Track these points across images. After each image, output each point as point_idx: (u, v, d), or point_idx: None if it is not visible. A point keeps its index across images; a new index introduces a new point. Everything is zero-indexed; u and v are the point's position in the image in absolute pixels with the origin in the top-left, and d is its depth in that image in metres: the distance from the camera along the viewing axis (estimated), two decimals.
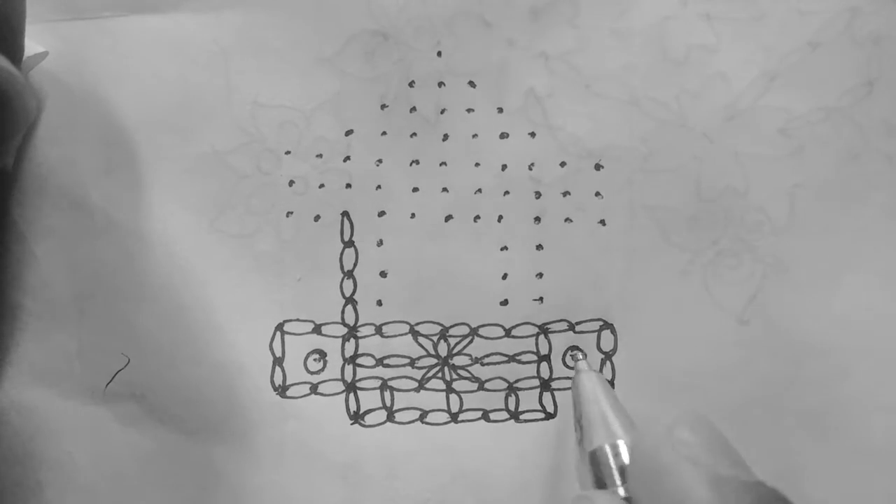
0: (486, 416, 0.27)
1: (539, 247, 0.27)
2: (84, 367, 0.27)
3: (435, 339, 0.27)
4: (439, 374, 0.27)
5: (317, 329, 0.27)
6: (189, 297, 0.27)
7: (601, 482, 0.21)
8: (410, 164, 0.28)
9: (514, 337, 0.27)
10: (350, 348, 0.27)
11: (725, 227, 0.27)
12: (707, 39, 0.27)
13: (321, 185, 0.28)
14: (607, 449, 0.21)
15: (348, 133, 0.28)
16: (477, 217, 0.27)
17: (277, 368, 0.27)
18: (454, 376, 0.27)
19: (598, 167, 0.27)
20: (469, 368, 0.27)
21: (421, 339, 0.27)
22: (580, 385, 0.24)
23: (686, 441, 0.17)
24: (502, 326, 0.27)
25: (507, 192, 0.27)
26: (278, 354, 0.27)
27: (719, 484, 0.16)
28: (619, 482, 0.20)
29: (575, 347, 0.27)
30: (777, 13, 0.27)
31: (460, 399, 0.27)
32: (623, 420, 0.22)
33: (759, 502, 0.16)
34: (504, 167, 0.27)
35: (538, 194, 0.27)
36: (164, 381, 0.27)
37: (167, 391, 0.27)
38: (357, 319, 0.27)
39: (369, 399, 0.27)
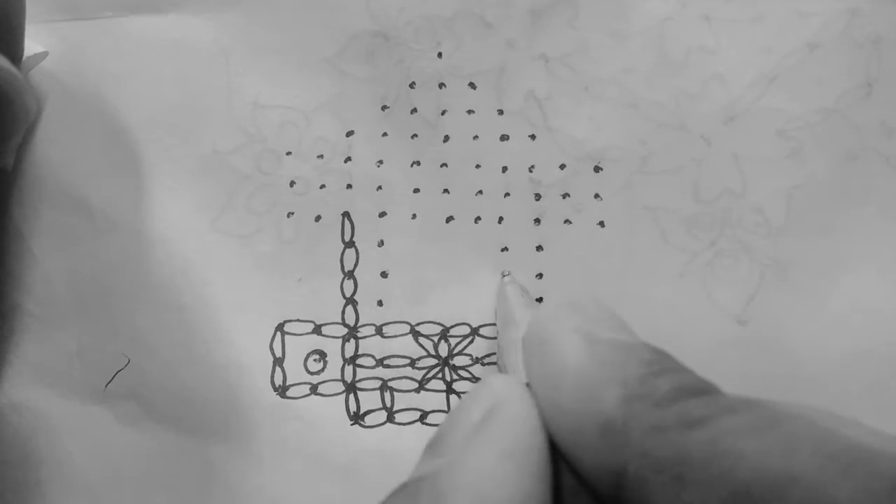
0: None
1: (539, 248, 0.27)
2: (84, 367, 0.27)
3: (435, 339, 0.27)
4: (440, 375, 0.27)
5: (317, 329, 0.27)
6: (189, 298, 0.27)
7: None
8: (411, 165, 0.28)
9: None
10: (350, 349, 0.27)
11: (724, 228, 0.27)
12: (706, 41, 0.27)
13: (322, 186, 0.28)
14: (518, 342, 0.21)
15: (349, 134, 0.28)
16: (477, 218, 0.27)
17: (277, 369, 0.27)
18: (455, 377, 0.27)
19: (597, 169, 0.27)
20: (469, 369, 0.27)
21: (421, 340, 0.27)
22: (503, 291, 0.25)
23: (570, 314, 0.17)
24: None
25: (507, 194, 0.27)
26: (278, 355, 0.27)
27: (594, 345, 0.16)
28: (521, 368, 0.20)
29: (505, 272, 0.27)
30: (776, 14, 0.27)
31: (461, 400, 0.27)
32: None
33: (633, 356, 0.15)
34: (504, 169, 0.27)
35: (538, 196, 0.27)
36: (164, 381, 0.27)
37: (167, 391, 0.27)
38: (357, 320, 0.27)
39: (369, 400, 0.27)
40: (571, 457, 0.15)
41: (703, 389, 0.15)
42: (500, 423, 0.16)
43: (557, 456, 0.16)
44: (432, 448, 0.17)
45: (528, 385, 0.17)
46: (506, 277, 0.27)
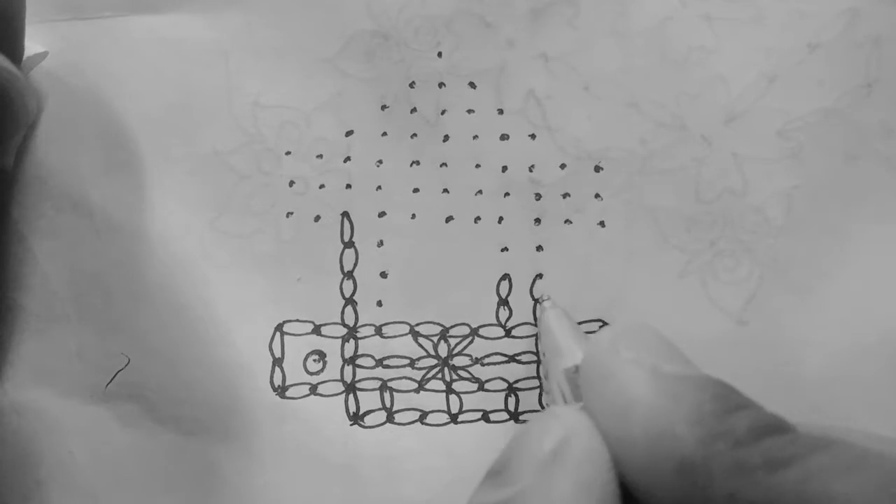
0: (485, 416, 0.27)
1: (539, 248, 0.27)
2: (84, 367, 0.27)
3: (435, 339, 0.27)
4: (439, 375, 0.27)
5: (316, 330, 0.27)
6: (189, 298, 0.27)
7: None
8: (411, 165, 0.28)
9: (514, 337, 0.27)
10: (350, 349, 0.27)
11: (724, 228, 0.27)
12: (707, 40, 0.27)
13: (321, 186, 0.28)
14: (571, 372, 0.21)
15: (348, 133, 0.28)
16: (477, 218, 0.27)
17: (277, 369, 0.27)
18: (454, 377, 0.27)
19: (597, 169, 0.27)
20: (469, 369, 0.27)
21: (421, 340, 0.27)
22: (545, 318, 0.25)
23: (629, 346, 0.17)
24: (502, 327, 0.27)
25: (507, 194, 0.27)
26: (278, 355, 0.27)
27: (660, 379, 0.16)
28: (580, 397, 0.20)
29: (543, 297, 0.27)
30: (777, 14, 0.27)
31: (460, 400, 0.27)
32: (582, 344, 0.22)
33: (701, 392, 0.15)
34: (504, 168, 0.27)
35: (538, 196, 0.27)
36: (164, 381, 0.27)
37: (167, 391, 0.27)
38: (357, 320, 0.27)
39: (369, 400, 0.27)
40: (643, 493, 0.15)
41: (782, 427, 0.15)
42: (575, 455, 0.15)
43: (626, 492, 0.15)
44: (497, 476, 0.16)
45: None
46: (545, 302, 0.26)
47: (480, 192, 0.27)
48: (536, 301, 0.27)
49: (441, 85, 0.28)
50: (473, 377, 0.27)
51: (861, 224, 0.27)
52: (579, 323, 0.27)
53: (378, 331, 0.27)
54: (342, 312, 0.27)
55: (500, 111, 0.28)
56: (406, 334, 0.27)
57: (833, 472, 0.13)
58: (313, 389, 0.27)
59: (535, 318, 0.27)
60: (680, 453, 0.14)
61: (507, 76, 0.27)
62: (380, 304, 0.27)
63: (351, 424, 0.27)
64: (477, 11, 0.27)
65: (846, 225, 0.27)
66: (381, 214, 0.28)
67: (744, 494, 0.13)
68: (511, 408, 0.27)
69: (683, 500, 0.14)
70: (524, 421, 0.27)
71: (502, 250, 0.27)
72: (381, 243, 0.27)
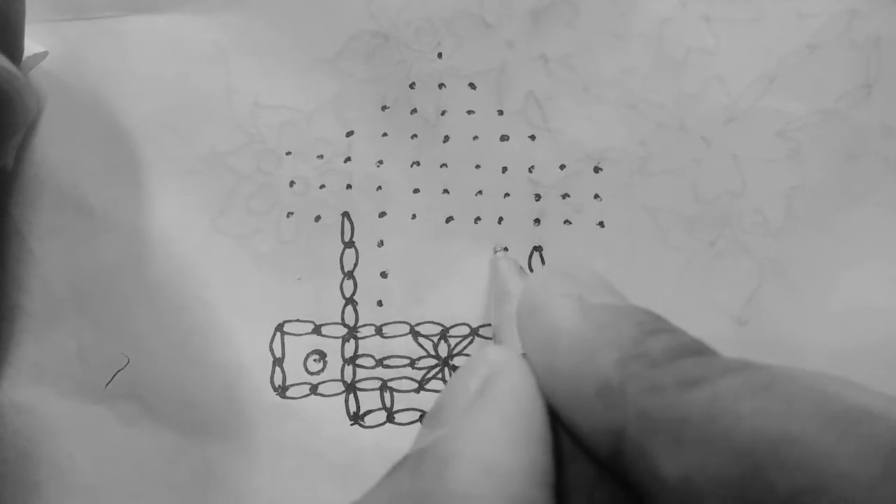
0: None
1: (539, 248, 0.27)
2: (84, 367, 0.27)
3: (435, 339, 0.27)
4: (439, 375, 0.27)
5: (317, 329, 0.27)
6: (189, 298, 0.27)
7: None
8: (411, 166, 0.28)
9: None
10: (350, 349, 0.27)
11: (723, 228, 0.27)
12: (706, 41, 0.27)
13: (322, 186, 0.28)
14: (511, 314, 0.21)
15: (349, 134, 0.28)
16: (477, 218, 0.27)
17: (277, 369, 0.27)
18: None
19: (597, 169, 0.27)
20: None
21: (421, 340, 0.27)
22: (497, 266, 0.25)
23: (560, 281, 0.17)
24: None
25: (507, 194, 0.27)
26: (278, 355, 0.27)
27: (586, 310, 0.16)
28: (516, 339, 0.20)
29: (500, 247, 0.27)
30: (776, 15, 0.27)
31: None
32: None
33: (625, 319, 0.15)
34: (504, 169, 0.27)
35: (538, 196, 0.27)
36: (164, 381, 0.27)
37: (167, 391, 0.27)
38: (357, 320, 0.27)
39: (369, 400, 0.27)
40: (570, 420, 0.15)
41: (699, 349, 0.15)
42: (499, 391, 0.16)
43: (556, 421, 0.16)
44: (430, 420, 0.17)
45: (524, 356, 0.17)
46: (499, 252, 0.27)
47: (480, 192, 0.27)
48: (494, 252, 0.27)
49: (441, 86, 0.28)
50: None
51: (860, 224, 0.27)
52: None
53: (378, 331, 0.27)
54: (342, 312, 0.27)
55: (500, 112, 0.28)
56: (406, 334, 0.27)
57: (743, 392, 0.13)
58: (314, 389, 0.27)
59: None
60: (599, 378, 0.14)
61: (507, 77, 0.27)
62: (380, 303, 0.27)
63: (351, 424, 0.27)
64: (477, 12, 0.27)
65: (845, 225, 0.27)
66: (382, 215, 0.28)
67: (655, 413, 0.13)
68: None
69: (604, 424, 0.14)
70: None
71: (503, 250, 0.27)
72: (381, 243, 0.27)
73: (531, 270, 0.27)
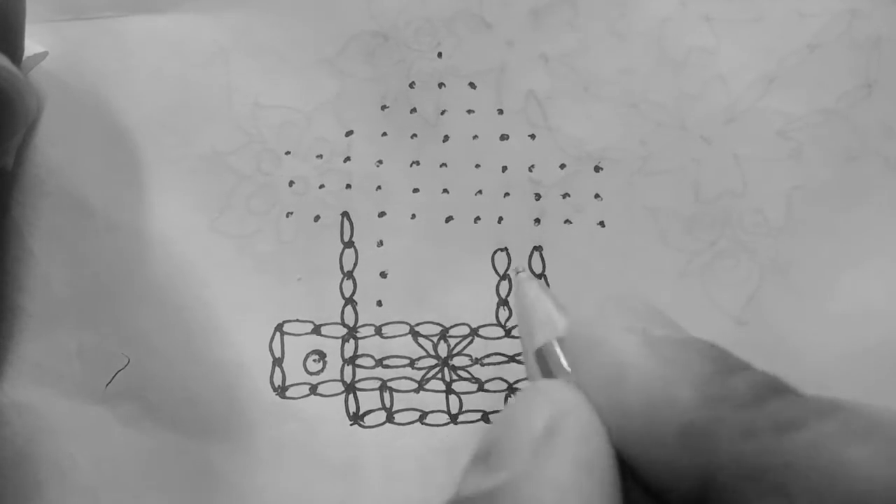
0: (485, 417, 0.27)
1: (538, 248, 0.27)
2: (84, 367, 0.27)
3: (435, 339, 0.27)
4: (439, 375, 0.27)
5: (316, 329, 0.27)
6: (189, 298, 0.27)
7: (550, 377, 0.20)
8: (411, 165, 0.28)
9: (513, 337, 0.27)
10: (349, 349, 0.27)
11: (724, 228, 0.27)
12: (706, 41, 0.27)
13: (321, 186, 0.28)
14: (553, 344, 0.19)
15: (348, 134, 0.28)
16: (477, 218, 0.27)
17: (277, 369, 0.27)
18: (454, 377, 0.27)
19: (597, 169, 0.27)
20: (469, 369, 0.27)
21: (421, 340, 0.27)
22: (522, 290, 0.24)
23: (616, 313, 0.16)
24: (502, 327, 0.27)
25: (507, 194, 0.27)
26: (278, 355, 0.27)
27: (653, 343, 0.15)
28: (566, 369, 0.20)
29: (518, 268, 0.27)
30: (777, 15, 0.27)
31: (460, 400, 0.27)
32: (564, 315, 0.22)
33: (696, 354, 0.15)
34: (504, 168, 0.27)
35: (538, 196, 0.27)
36: (164, 381, 0.27)
37: (167, 391, 0.27)
38: (357, 320, 0.27)
39: (369, 400, 0.27)
40: (643, 463, 0.15)
41: (780, 388, 0.14)
42: (571, 432, 0.15)
43: (623, 464, 0.15)
44: (485, 460, 0.15)
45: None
46: (521, 273, 0.26)
47: (480, 192, 0.27)
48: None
49: (441, 85, 0.28)
50: (473, 377, 0.27)
51: (861, 224, 0.27)
52: None
53: (378, 331, 0.27)
54: (342, 312, 0.27)
55: (500, 111, 0.28)
56: (406, 334, 0.27)
57: (845, 438, 0.12)
58: (313, 389, 0.27)
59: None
60: (682, 418, 0.14)
61: (507, 76, 0.27)
62: (380, 303, 0.27)
63: (351, 424, 0.27)
64: (477, 12, 0.27)
65: (846, 225, 0.27)
66: (381, 214, 0.28)
67: (751, 458, 0.13)
68: None
69: (688, 468, 0.14)
70: None
71: (502, 250, 0.27)
72: (380, 243, 0.27)
73: (531, 270, 0.27)
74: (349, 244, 0.27)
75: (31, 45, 0.27)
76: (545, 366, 0.20)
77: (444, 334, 0.27)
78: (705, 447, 0.13)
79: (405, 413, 0.27)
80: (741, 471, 0.13)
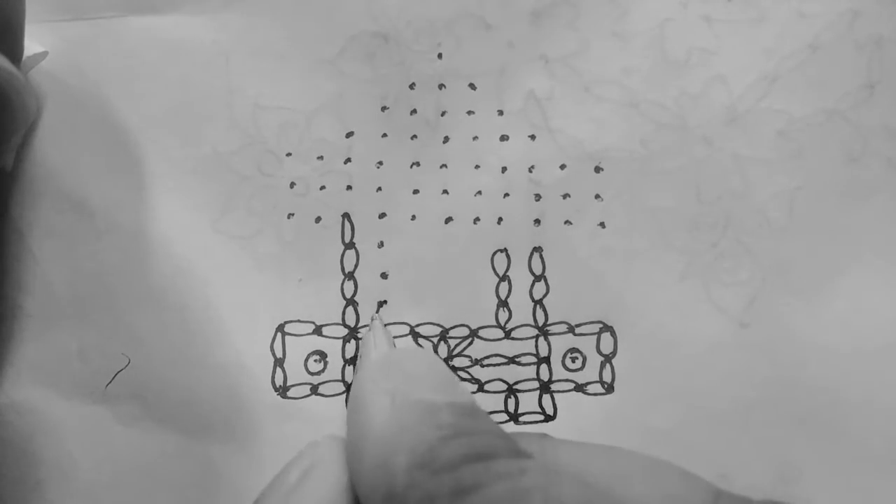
0: None
1: (539, 249, 0.27)
2: (84, 368, 0.27)
3: (435, 340, 0.27)
4: None
5: (317, 330, 0.27)
6: (190, 298, 0.27)
7: None
8: (411, 166, 0.28)
9: (513, 339, 0.27)
10: (351, 349, 0.27)
11: (725, 229, 0.27)
12: (707, 42, 0.27)
13: (322, 187, 0.28)
14: None
15: (349, 135, 0.28)
16: (477, 219, 0.27)
17: (278, 369, 0.27)
18: None
19: (597, 169, 0.27)
20: (469, 370, 0.27)
21: (421, 341, 0.27)
22: (363, 339, 0.25)
23: (392, 374, 0.17)
24: (502, 328, 0.27)
25: (507, 195, 0.27)
26: (279, 355, 0.27)
27: (399, 408, 0.16)
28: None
29: (381, 304, 0.27)
30: (778, 15, 0.27)
31: None
32: None
33: (431, 421, 0.15)
34: (504, 169, 0.27)
35: (538, 196, 0.27)
36: (165, 382, 0.27)
37: (167, 391, 0.27)
38: (358, 321, 0.27)
39: None
40: None
41: (488, 455, 0.14)
42: (313, 484, 0.16)
43: None
44: None
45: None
46: (374, 322, 0.27)
47: (480, 192, 0.27)
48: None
49: (441, 86, 0.28)
50: (473, 378, 0.27)
51: (863, 225, 0.27)
52: (578, 325, 0.27)
53: None
54: (343, 313, 0.27)
55: (500, 112, 0.27)
56: (406, 335, 0.27)
57: (504, 500, 0.13)
58: (314, 390, 0.27)
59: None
60: (388, 483, 0.14)
61: (507, 77, 0.27)
62: (380, 304, 0.27)
63: None
64: (477, 13, 0.27)
65: (848, 226, 0.27)
66: (382, 216, 0.28)
67: None
68: (511, 409, 0.27)
69: None
70: (524, 423, 0.27)
71: (502, 251, 0.27)
72: (381, 244, 0.27)
73: (531, 271, 0.27)
74: (350, 245, 0.27)
75: (31, 45, 0.27)
76: None
77: (443, 335, 0.27)
78: None
79: None
80: None
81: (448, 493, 0.13)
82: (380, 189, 0.28)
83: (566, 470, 0.14)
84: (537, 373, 0.27)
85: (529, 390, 0.27)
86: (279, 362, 0.27)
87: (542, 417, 0.27)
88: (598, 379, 0.27)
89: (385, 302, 0.27)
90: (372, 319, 0.27)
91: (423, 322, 0.27)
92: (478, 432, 0.15)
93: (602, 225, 0.27)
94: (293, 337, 0.27)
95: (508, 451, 0.15)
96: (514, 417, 0.27)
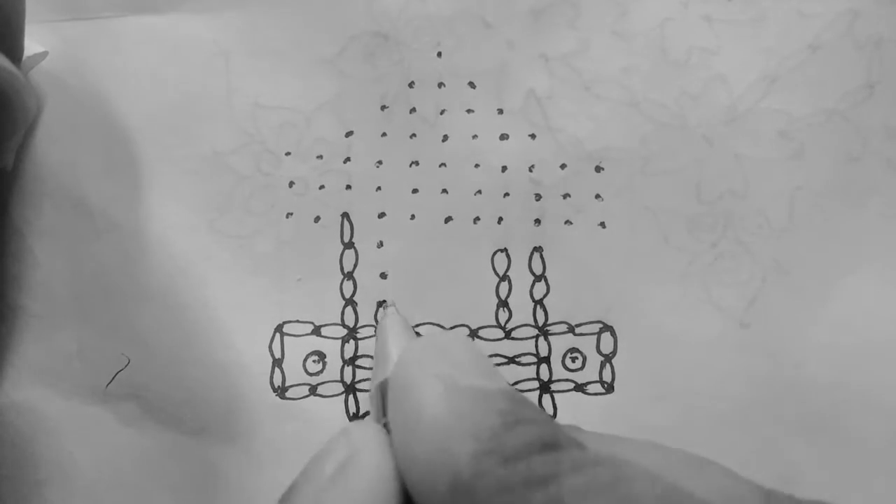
0: None
1: (539, 248, 0.27)
2: (84, 367, 0.27)
3: None
4: None
5: (316, 330, 0.27)
6: (189, 298, 0.27)
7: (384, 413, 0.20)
8: (410, 166, 0.28)
9: (513, 339, 0.27)
10: (349, 350, 0.27)
11: (725, 229, 0.27)
12: (707, 41, 0.27)
13: (321, 187, 0.28)
14: (385, 383, 0.20)
15: (348, 134, 0.28)
16: (477, 218, 0.27)
17: (277, 370, 0.27)
18: None
19: (598, 169, 0.27)
20: None
21: None
22: (382, 325, 0.24)
23: (435, 358, 0.16)
24: (502, 328, 0.27)
25: (506, 194, 0.27)
26: (278, 356, 0.27)
27: (452, 393, 0.15)
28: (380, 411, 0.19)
29: (385, 302, 0.27)
30: (778, 15, 0.27)
31: None
32: None
33: (489, 407, 0.15)
34: (504, 168, 0.27)
35: (538, 196, 0.27)
36: (164, 382, 0.27)
37: (167, 391, 0.27)
38: (357, 321, 0.27)
39: (369, 401, 0.27)
40: None
41: (554, 444, 0.14)
42: (353, 476, 0.15)
43: None
44: (284, 499, 0.16)
45: (389, 433, 0.16)
46: (389, 308, 0.26)
47: (480, 192, 0.27)
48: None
49: (441, 85, 0.28)
50: None
51: (863, 225, 0.27)
52: (578, 325, 0.27)
53: None
54: (342, 313, 0.27)
55: (500, 111, 0.27)
56: None
57: (585, 494, 0.13)
58: (313, 390, 0.27)
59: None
60: (452, 471, 0.14)
61: (507, 76, 0.27)
62: (380, 304, 0.27)
63: None
64: (477, 12, 0.27)
65: (848, 226, 0.27)
66: (381, 215, 0.27)
67: None
68: None
69: None
70: None
71: (501, 251, 0.27)
72: (380, 244, 0.27)
73: (531, 271, 0.27)
74: (349, 245, 0.27)
75: (31, 45, 0.27)
76: (381, 403, 0.20)
77: None
78: (466, 499, 0.14)
79: None
80: None
81: (522, 482, 0.13)
82: (379, 188, 0.28)
83: (634, 463, 0.14)
84: (537, 373, 0.27)
85: (529, 390, 0.27)
86: (278, 362, 0.27)
87: None
88: (598, 379, 0.27)
89: (384, 302, 0.27)
90: (386, 307, 0.27)
91: (423, 322, 0.27)
92: (537, 420, 0.15)
93: (602, 225, 0.27)
94: (292, 337, 0.27)
95: (570, 441, 0.15)
96: None
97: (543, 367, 0.27)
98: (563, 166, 0.27)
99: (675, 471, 0.14)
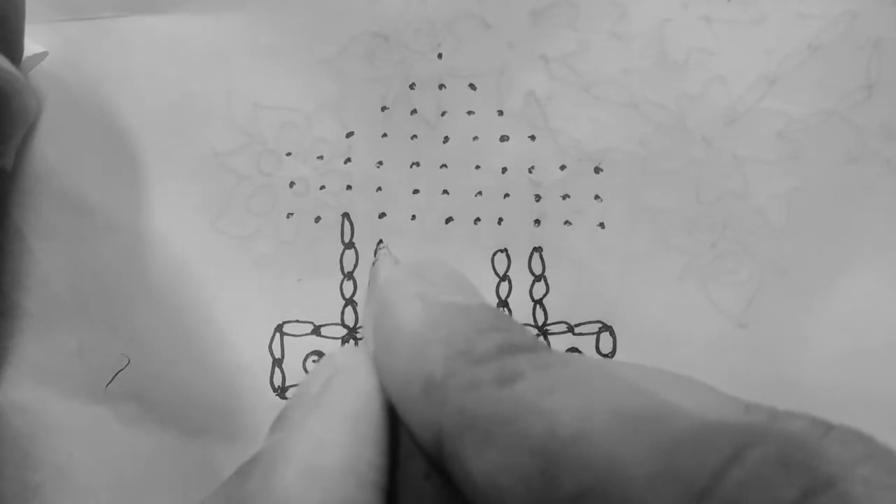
0: None
1: (538, 249, 0.27)
2: (84, 367, 0.27)
3: None
4: None
5: (316, 330, 0.27)
6: (189, 298, 0.27)
7: None
8: (411, 166, 0.28)
9: None
10: None
11: (724, 229, 0.27)
12: (707, 42, 0.27)
13: (322, 187, 0.28)
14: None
15: (349, 135, 0.28)
16: (477, 219, 0.27)
17: (277, 370, 0.27)
18: None
19: (597, 170, 0.27)
20: None
21: None
22: (374, 266, 0.24)
23: (416, 280, 0.17)
24: None
25: (507, 195, 0.27)
26: (278, 356, 0.27)
27: (430, 308, 0.15)
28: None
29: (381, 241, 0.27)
30: (777, 16, 0.27)
31: None
32: None
33: (464, 317, 0.15)
34: (504, 170, 0.27)
35: (538, 197, 0.27)
36: (164, 382, 0.27)
37: (167, 391, 0.27)
38: (357, 321, 0.27)
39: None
40: (402, 418, 0.15)
41: (528, 347, 0.15)
42: (335, 392, 0.16)
43: (398, 420, 0.16)
44: (274, 426, 0.16)
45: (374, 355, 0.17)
46: (382, 250, 0.26)
47: (480, 193, 0.27)
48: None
49: (441, 86, 0.28)
50: None
51: (862, 226, 0.27)
52: (578, 325, 0.27)
53: None
54: (342, 313, 0.27)
55: (500, 112, 0.28)
56: None
57: (549, 390, 0.13)
58: None
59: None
60: (426, 373, 0.14)
61: (507, 77, 0.27)
62: None
63: None
64: (477, 13, 0.27)
65: (847, 227, 0.27)
66: (382, 215, 0.28)
67: (469, 409, 0.13)
68: None
69: (427, 420, 0.14)
70: None
71: (501, 251, 0.27)
72: (381, 244, 0.27)
73: (531, 271, 0.27)
74: (349, 245, 0.27)
75: (31, 45, 0.27)
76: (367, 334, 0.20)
77: None
78: (439, 399, 0.14)
79: None
80: (462, 420, 0.13)
81: (491, 380, 0.14)
82: (380, 189, 0.28)
83: (601, 366, 0.14)
84: None
85: None
86: (278, 362, 0.27)
87: None
88: None
89: (381, 241, 0.27)
90: (380, 247, 0.27)
91: None
92: (515, 329, 0.15)
93: (602, 225, 0.27)
94: (292, 337, 0.27)
95: (540, 345, 0.15)
96: None
97: None
98: (562, 167, 0.27)
99: (657, 381, 0.15)
